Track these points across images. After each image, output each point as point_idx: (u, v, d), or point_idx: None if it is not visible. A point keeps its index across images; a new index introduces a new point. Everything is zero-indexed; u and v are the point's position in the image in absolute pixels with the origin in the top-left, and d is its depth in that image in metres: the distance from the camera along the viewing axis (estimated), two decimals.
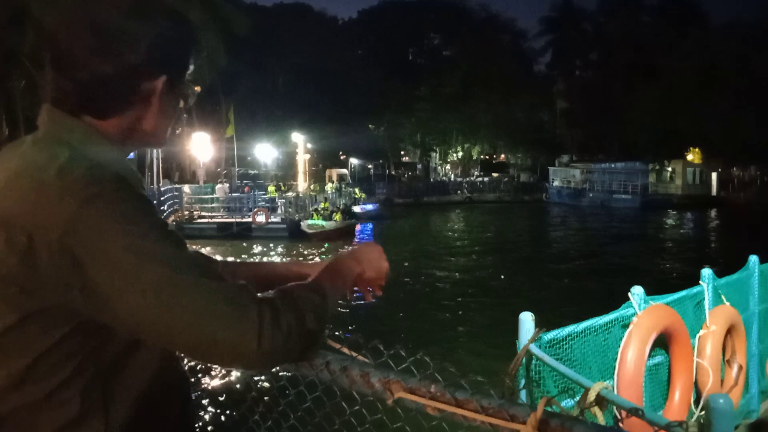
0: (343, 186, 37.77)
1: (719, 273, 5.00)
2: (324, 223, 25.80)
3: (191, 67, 1.09)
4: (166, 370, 1.04)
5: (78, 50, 0.94)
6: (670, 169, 52.28)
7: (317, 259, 20.98)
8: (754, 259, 5.45)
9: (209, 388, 7.78)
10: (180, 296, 0.85)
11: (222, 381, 8.04)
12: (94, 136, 0.97)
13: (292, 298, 0.94)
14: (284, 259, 21.37)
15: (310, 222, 25.83)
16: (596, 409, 2.49)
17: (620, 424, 3.40)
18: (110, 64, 0.95)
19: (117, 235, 0.85)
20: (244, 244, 24.24)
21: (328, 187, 36.15)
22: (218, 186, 30.79)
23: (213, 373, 7.76)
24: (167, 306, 0.85)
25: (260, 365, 0.91)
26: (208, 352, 0.88)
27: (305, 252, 22.56)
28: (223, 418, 7.12)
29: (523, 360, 3.19)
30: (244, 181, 38.23)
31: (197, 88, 1.11)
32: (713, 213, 41.61)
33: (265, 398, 1.52)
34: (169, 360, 1.05)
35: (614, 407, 3.42)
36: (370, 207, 36.13)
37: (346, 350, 1.25)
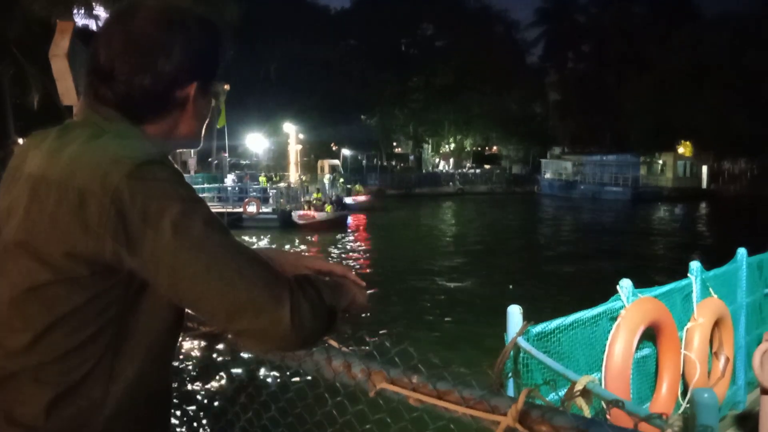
0: (339, 179, 37.74)
1: (708, 265, 5.02)
2: (315, 213, 25.78)
3: (220, 68, 1.13)
4: (169, 355, 1.07)
5: (115, 63, 1.00)
6: (661, 161, 52.51)
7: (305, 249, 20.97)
8: (742, 251, 5.48)
9: (191, 378, 7.75)
10: (223, 254, 0.90)
11: (204, 372, 8.02)
12: (133, 130, 1.02)
13: (307, 276, 1.00)
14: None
15: (301, 212, 25.81)
16: (582, 402, 2.49)
17: (607, 416, 3.41)
18: (146, 76, 1.01)
19: (166, 194, 0.90)
20: (235, 234, 24.09)
21: (326, 178, 36.20)
22: (228, 176, 32.20)
23: (194, 362, 7.74)
24: (209, 262, 0.88)
25: (292, 338, 0.92)
26: (242, 317, 0.90)
27: (296, 243, 22.52)
28: (203, 409, 7.09)
29: (511, 353, 3.19)
30: (237, 172, 38.36)
31: (226, 86, 1.16)
32: (703, 205, 41.89)
33: (248, 388, 1.51)
34: (173, 345, 1.08)
35: (602, 402, 3.44)
36: (362, 198, 36.09)
37: (332, 342, 1.24)
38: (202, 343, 1.37)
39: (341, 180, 37.28)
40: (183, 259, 0.88)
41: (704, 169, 52.48)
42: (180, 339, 1.42)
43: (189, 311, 1.12)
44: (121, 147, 0.94)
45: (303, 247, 21.88)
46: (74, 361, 0.93)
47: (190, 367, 7.87)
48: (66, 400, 0.93)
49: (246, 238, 23.04)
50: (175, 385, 1.14)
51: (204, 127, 1.13)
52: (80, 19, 23.52)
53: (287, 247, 21.71)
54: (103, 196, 0.88)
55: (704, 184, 51.92)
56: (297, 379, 1.32)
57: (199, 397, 7.44)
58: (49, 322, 0.92)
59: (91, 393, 0.94)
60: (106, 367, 0.95)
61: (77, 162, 0.92)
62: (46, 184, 0.92)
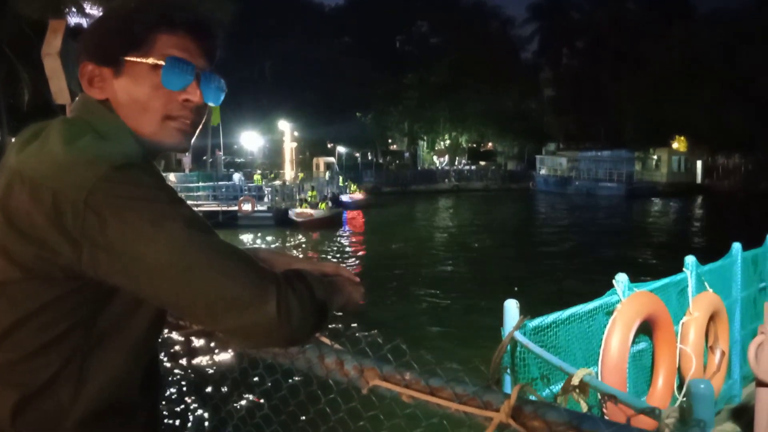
0: (339, 176, 37.82)
1: (703, 260, 5.03)
2: (312, 211, 25.74)
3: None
4: (145, 357, 1.03)
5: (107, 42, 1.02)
6: (655, 157, 52.62)
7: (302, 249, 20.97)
8: (737, 246, 5.50)
9: (182, 377, 7.71)
10: (206, 253, 0.88)
11: (197, 371, 7.97)
12: (123, 128, 1.00)
13: (298, 272, 0.98)
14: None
15: (298, 210, 25.75)
16: (579, 395, 2.49)
17: (603, 410, 3.41)
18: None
19: (144, 196, 0.87)
20: (230, 233, 24.09)
21: (326, 175, 36.34)
22: (235, 174, 32.76)
23: (186, 361, 7.67)
24: (191, 262, 0.86)
25: (280, 334, 0.91)
26: (228, 314, 0.88)
27: (292, 241, 22.50)
28: (197, 408, 7.06)
29: (508, 347, 3.18)
30: (239, 170, 38.48)
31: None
32: (698, 201, 42.04)
33: (240, 387, 1.50)
34: (151, 347, 1.05)
35: (598, 394, 3.44)
36: (358, 195, 36.11)
37: (324, 339, 1.23)
38: (193, 341, 1.36)
39: (341, 179, 37.35)
40: (164, 259, 0.86)
41: (698, 164, 52.62)
42: (178, 338, 1.41)
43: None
44: (100, 149, 0.91)
45: (302, 240, 21.86)
46: (41, 362, 0.90)
47: (184, 367, 7.83)
48: (33, 403, 0.91)
49: (241, 236, 23.01)
50: (166, 394, 1.12)
51: (155, 120, 1.03)
52: (72, 18, 23.40)
53: (285, 244, 21.69)
54: (77, 199, 0.85)
55: (699, 180, 52.06)
56: (289, 376, 1.31)
57: (191, 396, 7.42)
58: (14, 320, 0.90)
59: (59, 396, 0.91)
60: (74, 370, 0.92)
61: (54, 161, 0.88)
62: (21, 181, 0.88)
